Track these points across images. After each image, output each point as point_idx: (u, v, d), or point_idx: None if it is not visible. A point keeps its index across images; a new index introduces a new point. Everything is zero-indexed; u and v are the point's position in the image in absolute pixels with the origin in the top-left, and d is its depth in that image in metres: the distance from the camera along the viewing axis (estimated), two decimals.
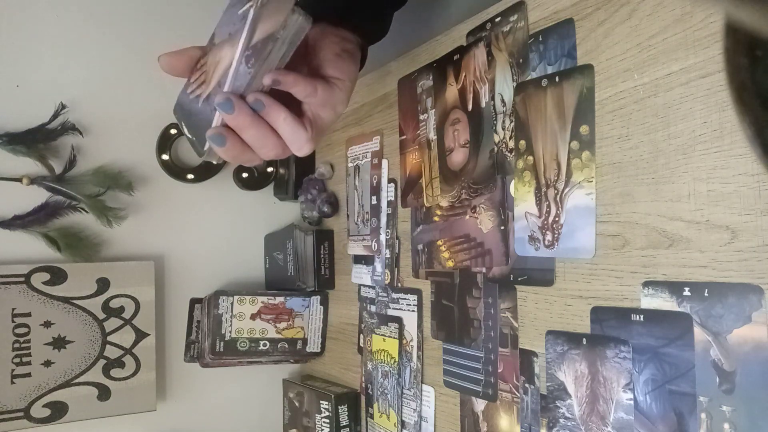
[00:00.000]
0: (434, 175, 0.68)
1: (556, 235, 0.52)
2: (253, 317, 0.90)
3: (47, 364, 0.82)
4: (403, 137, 0.74)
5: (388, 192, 0.77)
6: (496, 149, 0.59)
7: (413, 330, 0.72)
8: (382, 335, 0.76)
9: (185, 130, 0.52)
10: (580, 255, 0.50)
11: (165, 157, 0.93)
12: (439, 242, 0.67)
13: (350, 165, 0.86)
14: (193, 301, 0.96)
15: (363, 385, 0.81)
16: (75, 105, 0.88)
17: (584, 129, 0.50)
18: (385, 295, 0.77)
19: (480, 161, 0.61)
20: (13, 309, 0.80)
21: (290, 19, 0.47)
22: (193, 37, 1.01)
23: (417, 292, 0.71)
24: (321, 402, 0.86)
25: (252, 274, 1.03)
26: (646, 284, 0.45)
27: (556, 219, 0.52)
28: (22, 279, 0.81)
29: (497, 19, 0.60)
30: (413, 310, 0.72)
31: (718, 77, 0.41)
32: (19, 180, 0.83)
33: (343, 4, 0.56)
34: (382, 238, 0.77)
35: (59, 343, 0.83)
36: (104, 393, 0.85)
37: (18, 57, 0.86)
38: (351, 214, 0.85)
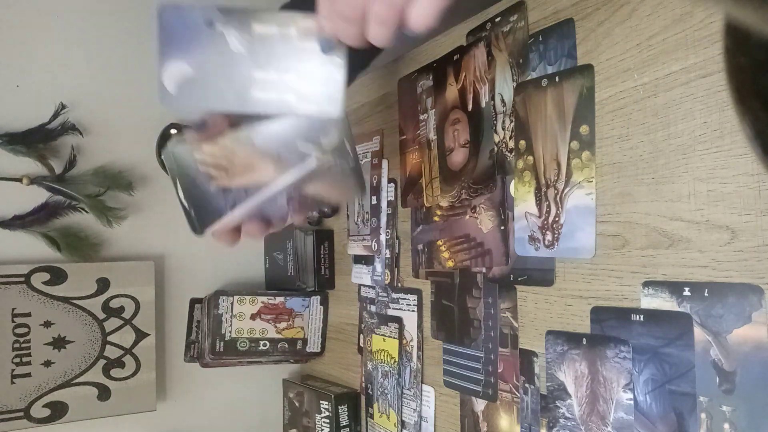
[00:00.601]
0: (434, 175, 0.68)
1: (556, 235, 0.52)
2: (253, 317, 0.90)
3: (47, 364, 0.82)
4: (403, 137, 0.74)
5: (388, 192, 0.77)
6: (496, 149, 0.59)
7: (413, 330, 0.72)
8: (382, 335, 0.76)
9: (180, 193, 0.52)
10: (580, 255, 0.50)
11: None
12: (439, 242, 0.67)
13: None
14: (193, 301, 0.96)
15: (363, 385, 0.81)
16: (75, 105, 0.88)
17: (584, 129, 0.50)
18: (385, 295, 0.77)
19: (480, 161, 0.61)
20: (13, 309, 0.80)
21: (350, 196, 0.50)
22: None
23: (417, 292, 0.71)
24: (321, 402, 0.86)
25: (252, 274, 1.03)
26: (646, 284, 0.45)
27: (556, 219, 0.52)
28: (22, 279, 0.81)
29: (497, 19, 0.60)
30: (413, 310, 0.72)
31: (718, 77, 0.41)
32: (19, 180, 0.83)
33: None
34: (382, 238, 0.77)
35: (59, 343, 0.83)
36: (104, 393, 0.85)
37: (18, 57, 0.86)
38: (351, 214, 0.85)
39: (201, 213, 0.52)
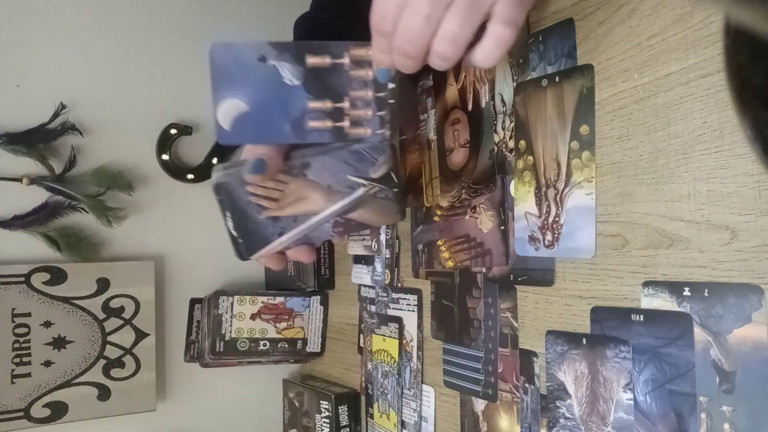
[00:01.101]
0: (434, 175, 0.68)
1: (556, 235, 0.52)
2: (253, 317, 0.90)
3: (47, 364, 0.82)
4: (403, 137, 0.74)
5: None
6: (496, 149, 0.59)
7: (413, 330, 0.72)
8: (382, 335, 0.77)
9: (229, 224, 0.53)
10: (580, 255, 0.50)
11: (165, 157, 0.93)
12: (439, 242, 0.67)
13: None
14: (193, 301, 0.96)
15: (363, 385, 0.81)
16: (75, 105, 0.88)
17: (584, 129, 0.50)
18: (385, 295, 0.77)
19: (480, 161, 0.61)
20: (13, 309, 0.80)
21: (391, 221, 0.56)
22: (193, 36, 1.01)
23: (417, 292, 0.71)
24: (321, 402, 0.86)
25: (252, 274, 1.03)
26: (646, 284, 0.45)
27: (556, 219, 0.52)
28: (22, 279, 0.81)
29: None
30: (413, 310, 0.72)
31: (718, 77, 0.41)
32: (19, 180, 0.83)
33: None
34: (382, 238, 0.77)
35: (59, 343, 0.83)
36: (104, 393, 0.85)
37: (18, 57, 0.86)
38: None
39: (249, 241, 0.53)
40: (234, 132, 0.45)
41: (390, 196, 0.53)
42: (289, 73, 0.44)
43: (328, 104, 0.46)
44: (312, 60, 0.44)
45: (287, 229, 0.53)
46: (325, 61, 0.44)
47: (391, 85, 0.45)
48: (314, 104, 0.45)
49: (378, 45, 0.43)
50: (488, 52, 0.41)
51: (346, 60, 0.44)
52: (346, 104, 0.46)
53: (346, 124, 0.46)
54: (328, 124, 0.46)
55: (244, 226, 0.52)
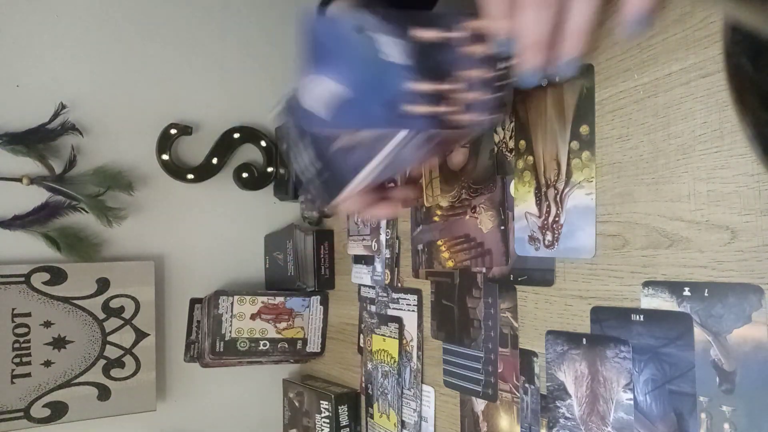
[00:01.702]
0: (434, 175, 0.68)
1: (556, 235, 0.52)
2: (253, 317, 0.90)
3: (47, 364, 0.82)
4: None
5: None
6: (496, 149, 0.59)
7: (413, 330, 0.72)
8: (382, 335, 0.76)
9: (305, 160, 0.46)
10: (580, 255, 0.50)
11: (165, 157, 0.93)
12: (439, 242, 0.67)
13: None
14: (193, 301, 0.96)
15: (363, 385, 0.81)
16: (75, 105, 0.88)
17: (584, 129, 0.50)
18: (385, 295, 0.77)
19: (480, 161, 0.61)
20: (13, 309, 0.80)
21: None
22: (193, 36, 1.01)
23: (417, 292, 0.71)
24: (321, 402, 0.86)
25: (252, 274, 1.03)
26: (646, 284, 0.45)
27: (556, 219, 0.52)
28: (22, 279, 0.81)
29: None
30: (413, 310, 0.72)
31: (718, 77, 0.41)
32: (19, 180, 0.83)
33: None
34: (382, 238, 0.77)
35: (59, 343, 0.83)
36: (104, 393, 0.85)
37: (18, 57, 0.86)
38: (351, 214, 0.85)
39: (329, 184, 0.47)
40: (328, 118, 0.39)
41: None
42: (390, 48, 0.38)
43: (432, 85, 0.39)
44: (417, 33, 0.38)
45: (364, 163, 0.45)
46: (433, 35, 0.38)
47: (509, 63, 0.39)
48: (416, 85, 0.39)
49: (498, 10, 0.34)
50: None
51: (458, 34, 0.38)
52: (455, 86, 0.39)
53: (453, 108, 0.40)
54: (431, 108, 0.40)
55: (325, 163, 0.46)
